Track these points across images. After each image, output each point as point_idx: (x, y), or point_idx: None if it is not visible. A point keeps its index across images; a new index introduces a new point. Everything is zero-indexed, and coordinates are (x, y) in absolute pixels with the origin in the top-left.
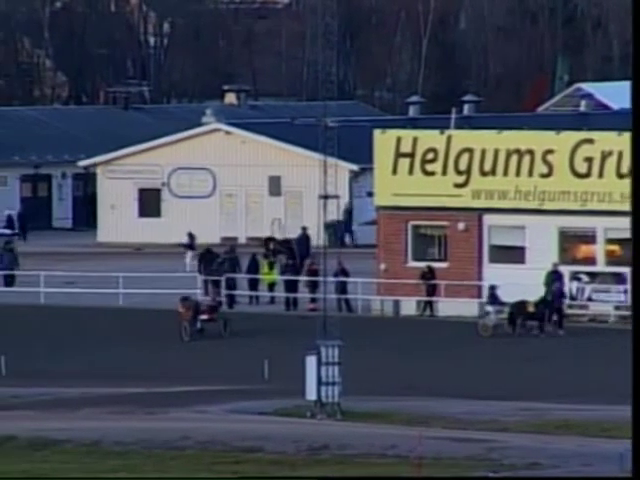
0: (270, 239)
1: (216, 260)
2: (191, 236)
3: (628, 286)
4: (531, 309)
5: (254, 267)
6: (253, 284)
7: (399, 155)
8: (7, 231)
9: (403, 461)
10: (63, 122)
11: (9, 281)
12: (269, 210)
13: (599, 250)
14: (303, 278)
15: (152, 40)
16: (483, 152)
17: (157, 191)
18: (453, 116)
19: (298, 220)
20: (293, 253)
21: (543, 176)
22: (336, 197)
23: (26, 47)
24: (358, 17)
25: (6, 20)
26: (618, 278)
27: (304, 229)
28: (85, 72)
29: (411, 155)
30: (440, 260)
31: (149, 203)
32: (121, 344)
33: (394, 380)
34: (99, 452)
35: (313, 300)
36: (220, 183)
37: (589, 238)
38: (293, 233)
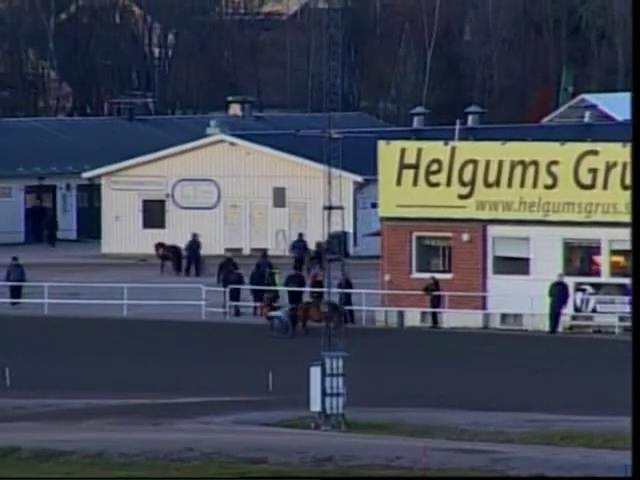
0: (160, 245)
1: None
2: None
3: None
4: None
5: (259, 278)
6: (258, 295)
7: (403, 166)
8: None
9: (408, 472)
10: (67, 133)
11: (16, 295)
12: (273, 221)
13: (604, 261)
14: (307, 289)
15: (157, 51)
16: (487, 163)
17: (161, 202)
18: (457, 127)
19: (302, 231)
20: (179, 259)
21: (547, 187)
22: (340, 208)
23: (31, 58)
24: (362, 29)
25: (11, 31)
26: (623, 289)
27: (195, 235)
28: (90, 83)
29: (415, 166)
30: (444, 271)
31: (153, 214)
32: (125, 355)
33: (398, 391)
34: (103, 463)
35: None
36: (224, 194)
37: (594, 249)
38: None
